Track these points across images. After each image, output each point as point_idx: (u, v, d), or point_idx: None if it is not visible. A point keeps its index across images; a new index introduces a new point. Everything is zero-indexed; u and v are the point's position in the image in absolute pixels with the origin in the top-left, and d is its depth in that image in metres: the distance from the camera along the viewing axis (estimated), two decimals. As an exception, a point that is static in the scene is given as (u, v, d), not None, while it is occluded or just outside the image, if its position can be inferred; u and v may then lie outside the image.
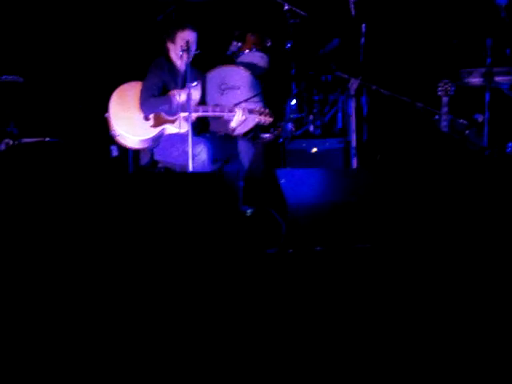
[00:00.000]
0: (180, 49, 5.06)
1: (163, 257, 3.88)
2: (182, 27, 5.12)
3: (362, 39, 5.77)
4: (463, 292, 3.55)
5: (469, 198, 4.76)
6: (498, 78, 5.73)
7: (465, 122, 5.79)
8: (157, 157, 5.22)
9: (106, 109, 5.16)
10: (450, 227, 4.33)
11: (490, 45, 5.64)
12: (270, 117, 5.22)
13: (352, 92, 5.69)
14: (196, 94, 5.14)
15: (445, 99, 5.63)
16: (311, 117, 5.91)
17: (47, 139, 5.50)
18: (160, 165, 5.23)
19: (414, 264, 3.85)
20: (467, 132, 5.77)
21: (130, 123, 5.15)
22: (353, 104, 5.70)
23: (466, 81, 5.91)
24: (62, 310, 3.40)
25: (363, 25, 5.81)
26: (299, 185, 4.85)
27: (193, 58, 5.04)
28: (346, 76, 5.71)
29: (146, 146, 5.19)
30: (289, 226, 4.52)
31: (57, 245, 3.87)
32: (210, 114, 5.13)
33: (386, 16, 6.39)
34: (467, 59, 6.00)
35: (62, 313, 3.39)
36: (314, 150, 5.79)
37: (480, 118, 5.75)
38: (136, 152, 5.40)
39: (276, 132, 5.66)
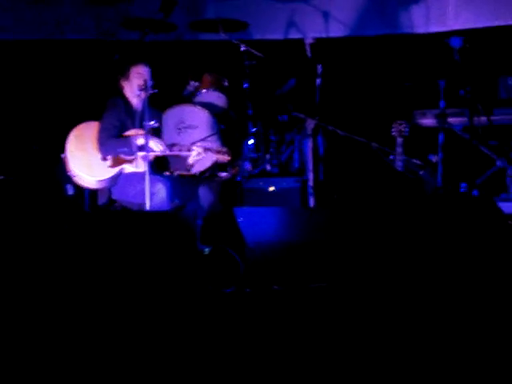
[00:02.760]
0: (135, 86, 5.06)
1: (120, 296, 3.84)
2: (135, 63, 5.14)
3: (318, 80, 5.85)
4: (418, 329, 3.58)
5: (423, 237, 4.82)
6: (451, 120, 5.84)
7: (419, 162, 5.87)
8: (114, 196, 5.19)
9: (62, 149, 5.13)
10: (405, 266, 4.37)
11: (444, 86, 5.77)
12: (228, 156, 5.24)
13: (308, 132, 5.75)
14: (156, 148, 5.12)
15: (399, 140, 5.71)
16: (268, 156, 5.94)
17: (1, 177, 5.44)
18: (117, 204, 5.20)
19: (369, 302, 3.87)
20: (421, 172, 5.84)
21: (87, 164, 5.12)
22: (309, 144, 5.75)
23: (420, 122, 6.02)
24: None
25: (319, 66, 5.89)
26: (257, 223, 4.86)
27: (150, 98, 5.04)
28: (303, 116, 5.77)
29: (104, 185, 5.15)
30: (247, 264, 4.52)
31: (10, 284, 3.81)
32: (167, 153, 5.13)
33: (342, 58, 6.50)
34: (421, 100, 6.11)
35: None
36: (272, 188, 5.82)
37: (434, 159, 5.84)
38: (93, 191, 5.35)
39: (233, 171, 5.67)
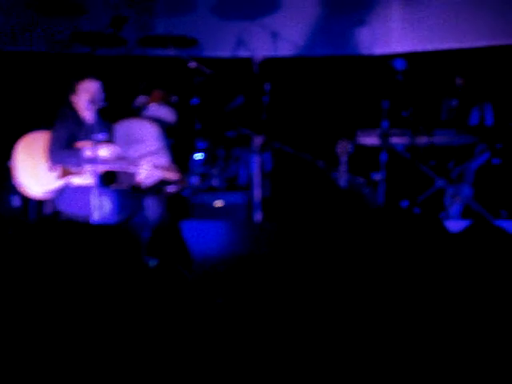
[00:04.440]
0: (84, 100, 5.07)
1: (63, 307, 3.83)
2: (84, 78, 5.14)
3: (266, 98, 5.94)
4: (358, 345, 3.65)
5: (365, 252, 4.93)
6: (393, 139, 5.96)
7: (362, 180, 5.98)
8: (60, 207, 5.17)
9: (9, 157, 5.10)
10: (348, 280, 4.45)
11: (387, 107, 5.89)
12: (176, 170, 5.27)
13: (255, 148, 5.83)
14: (105, 149, 5.14)
15: (343, 158, 5.82)
16: (215, 171, 6.00)
17: None
18: (63, 215, 5.17)
19: (314, 316, 3.93)
20: (365, 189, 5.95)
21: (34, 173, 5.10)
22: (256, 160, 5.82)
23: (364, 141, 6.12)
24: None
25: (267, 84, 5.99)
26: (204, 237, 4.90)
27: (100, 111, 5.06)
28: (250, 133, 5.84)
29: (50, 196, 5.13)
30: (193, 278, 4.55)
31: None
32: (115, 166, 5.14)
33: (289, 76, 6.60)
34: (365, 120, 6.22)
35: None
36: (219, 203, 5.87)
37: (377, 177, 5.95)
38: (39, 202, 5.32)
39: (181, 185, 5.70)
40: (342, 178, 5.96)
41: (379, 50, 6.63)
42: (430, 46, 6.51)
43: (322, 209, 5.82)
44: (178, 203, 5.80)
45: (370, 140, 6.06)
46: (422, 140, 5.87)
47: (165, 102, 5.97)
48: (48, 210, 5.25)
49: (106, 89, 5.14)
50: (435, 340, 3.62)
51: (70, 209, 5.14)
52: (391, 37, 6.65)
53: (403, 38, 6.62)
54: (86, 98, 5.07)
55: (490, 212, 5.68)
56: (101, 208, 4.92)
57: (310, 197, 6.00)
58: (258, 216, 5.75)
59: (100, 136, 4.96)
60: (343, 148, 5.89)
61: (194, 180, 5.90)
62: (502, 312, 3.95)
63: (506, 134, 5.75)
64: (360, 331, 3.74)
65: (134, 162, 5.13)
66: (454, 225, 5.50)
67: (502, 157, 5.75)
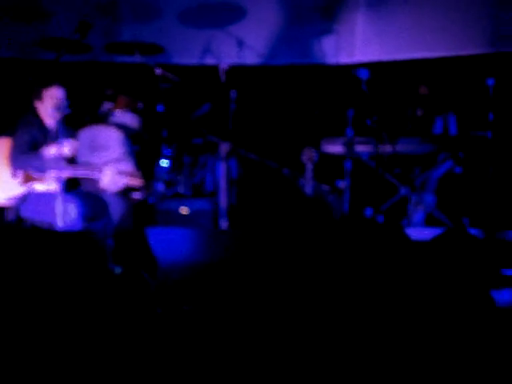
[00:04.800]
0: (48, 107, 5.04)
1: (30, 315, 3.80)
2: (48, 85, 5.11)
3: (232, 105, 5.96)
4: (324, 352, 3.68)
5: (329, 259, 4.96)
6: (358, 148, 6.01)
7: (327, 187, 6.02)
8: (23, 214, 5.12)
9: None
10: (312, 286, 4.48)
11: (352, 116, 5.95)
12: (140, 177, 5.26)
13: (222, 155, 5.84)
14: (68, 152, 5.11)
15: (309, 166, 5.86)
16: (181, 178, 6.00)
17: None
18: (27, 222, 5.13)
19: (280, 323, 3.95)
20: (330, 197, 5.99)
21: (-4, 179, 5.06)
22: (222, 167, 5.83)
23: (329, 149, 6.16)
24: None
25: (233, 92, 6.01)
26: (169, 244, 4.89)
27: (64, 117, 5.03)
28: (216, 140, 5.85)
29: (13, 203, 5.09)
30: (158, 284, 4.54)
31: None
32: (79, 173, 5.11)
33: (256, 84, 6.63)
34: (330, 129, 6.27)
35: None
36: (185, 210, 5.86)
37: (341, 185, 5.99)
38: (1, 209, 5.27)
39: (146, 192, 5.69)
40: (308, 186, 6.00)
41: (344, 59, 6.69)
42: (394, 56, 6.58)
43: (287, 216, 5.85)
44: (142, 210, 5.78)
45: (335, 148, 6.11)
46: (386, 148, 5.93)
47: (130, 108, 5.95)
48: (11, 216, 5.20)
49: (71, 95, 5.12)
50: (393, 346, 3.66)
51: (33, 215, 5.10)
52: (356, 46, 6.71)
53: (368, 47, 6.69)
54: (50, 104, 5.04)
55: (453, 220, 5.75)
56: (65, 215, 4.89)
57: (276, 204, 6.02)
58: (223, 223, 5.76)
59: (64, 142, 4.93)
60: (308, 156, 5.93)
61: (160, 187, 5.89)
62: (460, 318, 4.01)
63: (468, 144, 5.84)
64: (320, 337, 3.77)
65: (99, 168, 5.11)
66: (417, 232, 5.56)
67: (465, 166, 5.83)
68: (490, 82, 5.69)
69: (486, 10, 6.33)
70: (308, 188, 5.98)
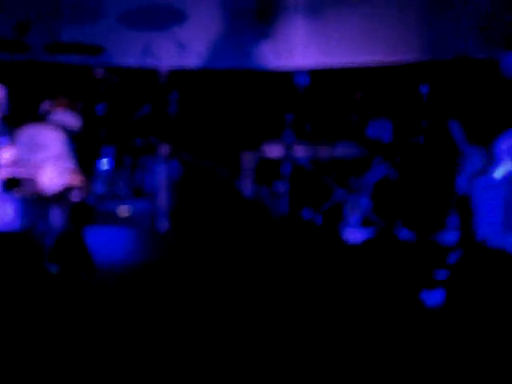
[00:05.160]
0: (-13, 106, 4.99)
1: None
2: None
3: (173, 107, 5.98)
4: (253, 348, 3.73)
5: (267, 261, 5.03)
6: (297, 152, 6.09)
7: (267, 190, 6.07)
8: (-41, 214, 5.05)
9: None
10: (252, 287, 4.54)
11: (291, 120, 6.02)
12: (80, 178, 5.24)
13: (162, 157, 5.85)
14: (6, 153, 5.06)
15: (248, 168, 5.91)
16: (121, 179, 5.98)
17: None
18: (-38, 223, 5.06)
19: (218, 323, 3.99)
20: (269, 200, 6.05)
21: None
22: (162, 168, 5.85)
23: (268, 152, 6.23)
24: None
25: (174, 93, 6.02)
26: (108, 244, 4.89)
27: (3, 117, 4.98)
28: (157, 141, 5.86)
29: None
30: (97, 285, 4.53)
31: None
32: (17, 172, 5.06)
33: (197, 86, 6.64)
34: (270, 132, 6.32)
35: None
36: (124, 211, 5.85)
37: (280, 188, 6.06)
38: None
39: (86, 192, 5.66)
40: (247, 188, 6.05)
41: (283, 63, 6.74)
42: (333, 61, 6.65)
43: (226, 218, 5.89)
44: (82, 210, 5.75)
45: (274, 152, 6.17)
46: (324, 152, 6.03)
47: (70, 108, 5.92)
48: None
49: (10, 95, 5.07)
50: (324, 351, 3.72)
51: (-30, 216, 5.03)
52: (295, 51, 6.77)
53: (307, 52, 6.75)
54: (-11, 103, 4.99)
55: (388, 223, 5.87)
56: (3, 215, 4.84)
57: (216, 206, 6.06)
58: (163, 224, 5.77)
59: (1, 141, 4.88)
60: (248, 159, 5.98)
61: (99, 187, 5.87)
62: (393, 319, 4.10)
63: (403, 148, 5.98)
64: (254, 338, 3.82)
65: (38, 167, 5.07)
66: (352, 234, 5.68)
67: (400, 170, 5.96)
68: (424, 89, 5.84)
69: (422, 17, 6.47)
70: (247, 190, 6.03)
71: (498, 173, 4.65)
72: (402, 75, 6.38)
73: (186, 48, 6.53)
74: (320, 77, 6.33)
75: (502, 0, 6.09)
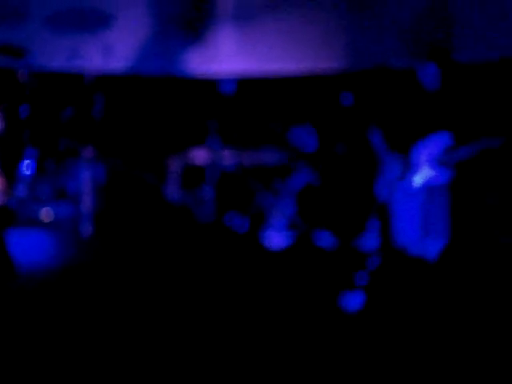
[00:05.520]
0: None
1: None
2: None
3: (98, 111, 5.94)
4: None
5: (194, 266, 5.05)
6: (223, 157, 6.12)
7: (193, 195, 6.08)
8: None
9: None
10: (174, 290, 4.54)
11: (217, 126, 6.05)
12: (2, 180, 5.17)
13: (86, 160, 5.80)
14: None
15: (175, 173, 5.91)
16: (44, 182, 5.91)
17: None
18: None
19: (144, 327, 3.99)
20: (195, 205, 6.06)
21: None
22: (87, 172, 5.80)
23: (194, 158, 6.23)
24: None
25: (100, 97, 5.98)
26: (30, 248, 4.83)
27: None
28: (81, 145, 5.81)
29: None
30: (17, 289, 4.47)
31: None
32: None
33: (123, 91, 6.61)
34: (196, 138, 6.33)
35: None
36: (47, 214, 5.79)
37: (206, 193, 6.07)
38: None
39: (7, 196, 5.58)
40: (173, 194, 6.05)
41: (209, 70, 6.75)
42: (259, 69, 6.69)
43: (152, 223, 5.88)
44: (3, 213, 5.66)
45: (200, 157, 6.19)
46: (250, 158, 6.07)
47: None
48: None
49: None
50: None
51: None
52: (222, 58, 6.79)
53: (234, 59, 6.78)
54: None
55: (311, 228, 5.94)
56: None
57: (142, 211, 6.03)
58: (86, 229, 5.72)
59: None
60: (174, 164, 5.98)
61: (22, 190, 5.79)
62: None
63: (326, 155, 6.07)
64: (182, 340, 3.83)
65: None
66: (277, 239, 5.74)
67: (322, 176, 6.04)
68: (347, 97, 5.94)
69: (346, 26, 6.57)
70: (173, 196, 6.03)
71: (417, 180, 4.77)
72: (325, 83, 6.46)
73: (112, 52, 6.48)
74: (246, 84, 6.38)
75: (423, 11, 6.24)
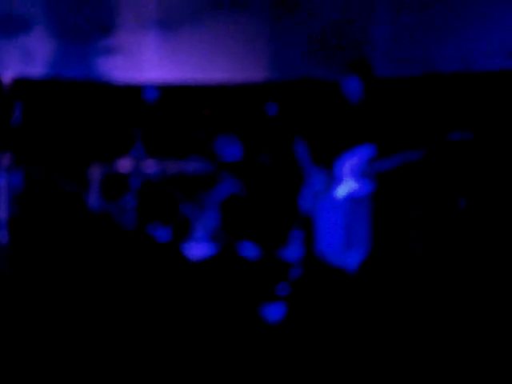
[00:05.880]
0: None
1: None
2: None
3: (17, 116, 5.81)
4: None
5: (117, 274, 4.98)
6: (146, 166, 6.06)
7: (115, 204, 6.00)
8: None
9: None
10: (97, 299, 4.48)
11: (141, 134, 5.99)
12: None
13: (3, 167, 5.67)
14: None
15: (96, 181, 5.83)
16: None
17: None
18: None
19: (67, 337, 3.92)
20: (117, 214, 5.99)
21: None
22: (3, 179, 5.66)
23: (118, 166, 6.16)
24: None
25: (18, 103, 5.85)
26: None
27: None
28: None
29: None
30: None
31: None
32: None
33: (43, 97, 6.49)
34: (120, 146, 6.26)
35: None
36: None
37: (128, 202, 6.01)
38: None
39: None
40: (94, 202, 5.96)
41: (132, 77, 6.70)
42: (183, 77, 6.67)
43: (72, 232, 5.79)
44: None
45: (123, 166, 6.12)
46: (172, 167, 6.03)
47: None
48: None
49: None
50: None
51: None
52: (145, 65, 6.74)
53: (157, 67, 6.74)
54: None
55: (234, 238, 5.93)
56: None
57: (61, 219, 5.94)
58: (2, 236, 5.61)
59: None
60: (96, 172, 5.90)
61: None
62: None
63: (251, 165, 6.08)
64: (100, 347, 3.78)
65: None
66: (199, 250, 5.71)
67: (247, 187, 6.05)
68: (272, 107, 5.97)
69: (271, 38, 6.61)
70: (94, 204, 5.94)
71: (340, 192, 4.82)
72: (250, 93, 6.49)
73: (31, 56, 6.36)
74: (170, 92, 6.35)
75: (346, 26, 6.32)
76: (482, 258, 5.08)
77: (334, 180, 4.82)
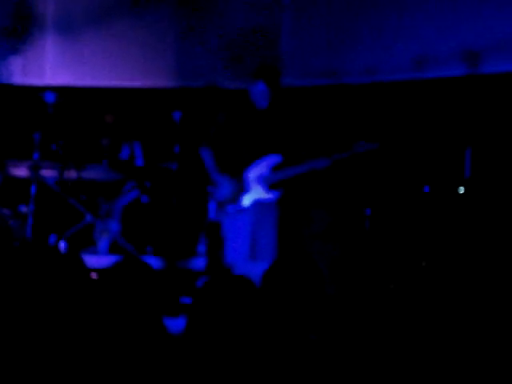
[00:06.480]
0: None
1: None
2: None
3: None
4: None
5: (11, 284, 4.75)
6: (44, 172, 5.89)
7: (9, 212, 5.81)
8: None
9: None
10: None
11: (38, 139, 5.82)
12: None
13: None
14: None
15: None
16: None
17: None
18: None
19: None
20: (11, 222, 5.79)
21: None
22: None
23: (13, 172, 5.98)
24: None
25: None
26: None
27: None
28: None
29: None
30: None
31: None
32: None
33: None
34: (16, 151, 6.07)
35: None
36: None
37: (25, 209, 5.83)
38: None
39: None
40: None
41: (31, 80, 6.54)
42: (83, 82, 6.56)
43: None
44: None
45: (20, 171, 5.96)
46: (72, 174, 5.89)
47: None
48: None
49: None
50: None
51: None
52: (44, 69, 6.60)
53: (56, 71, 6.60)
54: None
55: (137, 248, 5.83)
56: None
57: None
58: None
59: None
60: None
61: None
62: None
63: (154, 174, 5.99)
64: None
65: None
66: (97, 260, 5.54)
67: (150, 195, 5.96)
68: (177, 115, 5.91)
69: (176, 44, 6.56)
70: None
71: (246, 201, 4.77)
72: (155, 100, 6.42)
73: None
74: (71, 96, 6.20)
75: (250, 33, 6.32)
76: (386, 265, 5.14)
77: (241, 189, 4.77)
